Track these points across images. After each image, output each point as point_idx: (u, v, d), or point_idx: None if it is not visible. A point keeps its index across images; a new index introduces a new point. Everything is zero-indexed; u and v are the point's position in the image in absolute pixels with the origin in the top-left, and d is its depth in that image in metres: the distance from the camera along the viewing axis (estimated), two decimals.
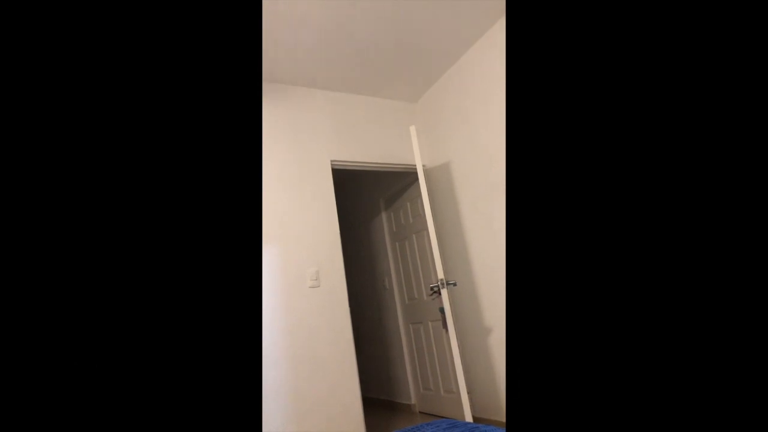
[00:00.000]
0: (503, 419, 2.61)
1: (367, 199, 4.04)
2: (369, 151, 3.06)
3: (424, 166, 3.25)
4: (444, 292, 2.38)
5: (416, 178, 3.19)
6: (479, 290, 2.76)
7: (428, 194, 3.21)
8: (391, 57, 2.74)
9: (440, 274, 2.41)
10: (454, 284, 2.39)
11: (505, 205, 2.54)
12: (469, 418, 2.26)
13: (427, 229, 3.14)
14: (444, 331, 2.96)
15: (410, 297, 3.40)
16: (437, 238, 3.14)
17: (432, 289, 2.45)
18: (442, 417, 3.02)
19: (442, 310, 2.42)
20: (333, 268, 2.68)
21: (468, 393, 2.85)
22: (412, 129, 2.58)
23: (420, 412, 3.32)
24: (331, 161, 2.89)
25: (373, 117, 3.17)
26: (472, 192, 2.80)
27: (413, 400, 3.39)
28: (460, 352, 2.94)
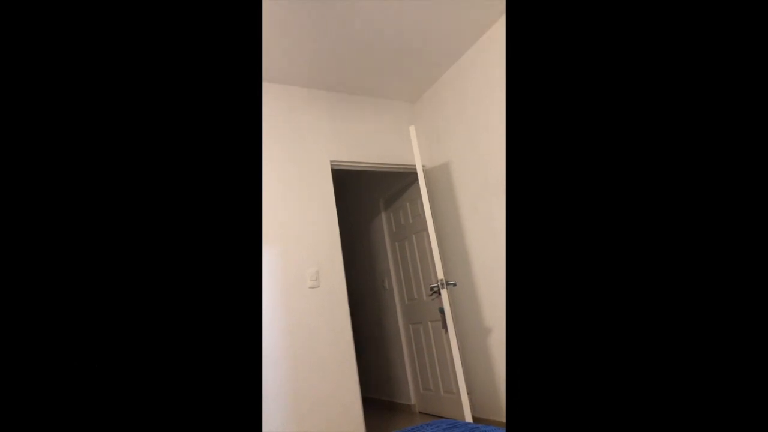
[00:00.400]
0: (503, 419, 2.61)
1: (367, 200, 4.04)
2: (368, 152, 3.06)
3: (423, 166, 3.25)
4: (444, 293, 2.38)
5: (416, 179, 3.19)
6: (479, 290, 2.76)
7: (428, 194, 3.21)
8: (390, 57, 2.74)
9: (440, 275, 2.41)
10: (454, 284, 2.39)
11: (504, 205, 2.54)
12: (469, 419, 2.26)
13: (426, 229, 3.14)
14: (444, 331, 2.96)
15: (410, 297, 3.40)
16: (437, 239, 3.14)
17: (432, 289, 2.45)
18: (442, 417, 3.02)
19: (441, 311, 2.42)
20: (333, 268, 2.68)
21: (468, 393, 2.85)
22: (412, 129, 2.58)
23: (420, 413, 3.32)
24: (331, 161, 2.89)
25: (372, 117, 3.17)
26: (471, 192, 2.80)
27: (413, 401, 3.39)
28: (459, 353, 2.94)
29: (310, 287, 2.56)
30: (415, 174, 3.21)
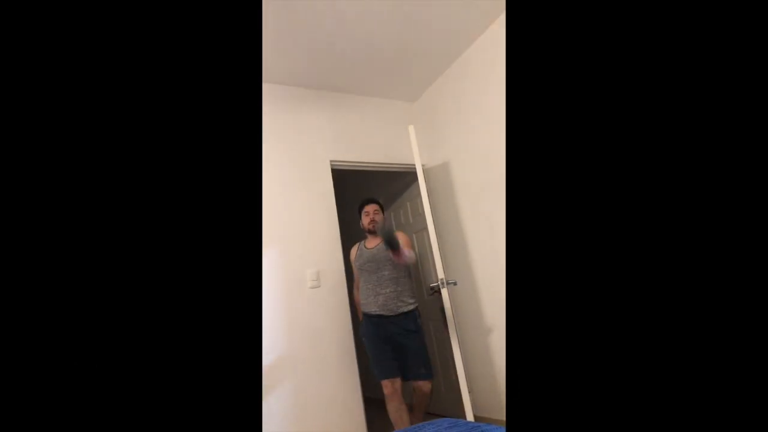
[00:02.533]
0: (504, 418, 2.61)
1: None
2: (368, 151, 3.06)
3: (423, 165, 3.25)
4: (444, 292, 2.38)
5: (416, 178, 3.19)
6: (479, 289, 2.76)
7: (428, 194, 3.20)
8: (390, 57, 2.74)
9: (440, 274, 2.41)
10: (455, 283, 2.39)
11: (504, 203, 2.54)
12: (470, 417, 2.26)
13: (426, 228, 3.14)
14: (444, 330, 2.96)
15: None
16: (437, 238, 3.13)
17: (432, 288, 2.45)
18: (443, 416, 3.02)
19: (442, 310, 2.42)
20: (333, 268, 2.68)
21: (469, 392, 2.85)
22: (411, 129, 2.58)
23: None
24: (331, 161, 2.89)
25: (372, 117, 3.17)
26: (471, 191, 2.80)
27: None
28: (460, 352, 2.94)
29: (310, 287, 2.56)
30: (415, 173, 3.20)
